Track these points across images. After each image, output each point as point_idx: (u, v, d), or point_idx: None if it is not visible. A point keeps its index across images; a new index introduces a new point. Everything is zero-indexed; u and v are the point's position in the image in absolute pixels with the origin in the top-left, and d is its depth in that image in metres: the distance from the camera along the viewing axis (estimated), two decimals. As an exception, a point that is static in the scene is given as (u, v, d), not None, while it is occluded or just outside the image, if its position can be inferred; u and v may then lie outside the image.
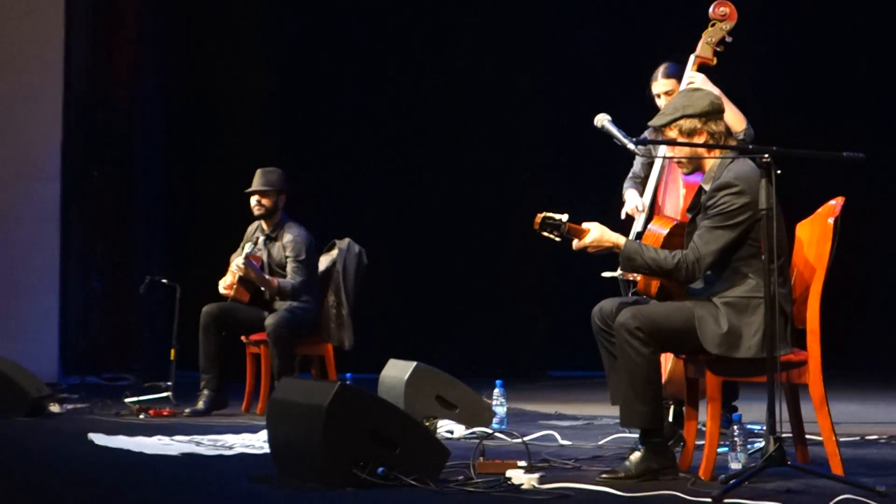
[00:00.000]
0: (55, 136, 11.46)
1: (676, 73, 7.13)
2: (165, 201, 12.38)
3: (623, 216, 7.16)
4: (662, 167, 6.98)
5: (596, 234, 5.57)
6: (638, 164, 7.33)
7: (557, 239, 5.65)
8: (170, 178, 12.41)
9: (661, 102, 7.14)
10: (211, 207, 11.64)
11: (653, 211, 6.95)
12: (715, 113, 5.55)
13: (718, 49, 6.98)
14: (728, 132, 5.63)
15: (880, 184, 11.58)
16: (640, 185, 7.24)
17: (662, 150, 6.48)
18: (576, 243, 5.60)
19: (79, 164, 11.76)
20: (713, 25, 6.99)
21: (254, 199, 8.64)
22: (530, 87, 12.87)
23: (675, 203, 6.72)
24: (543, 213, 5.61)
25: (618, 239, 5.55)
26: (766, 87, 12.15)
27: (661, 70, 7.19)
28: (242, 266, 8.42)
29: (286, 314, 8.41)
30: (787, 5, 12.98)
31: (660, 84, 7.16)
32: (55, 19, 11.42)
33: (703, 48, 6.98)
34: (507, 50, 12.77)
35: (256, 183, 8.64)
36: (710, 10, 7.01)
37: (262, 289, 8.53)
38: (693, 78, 6.89)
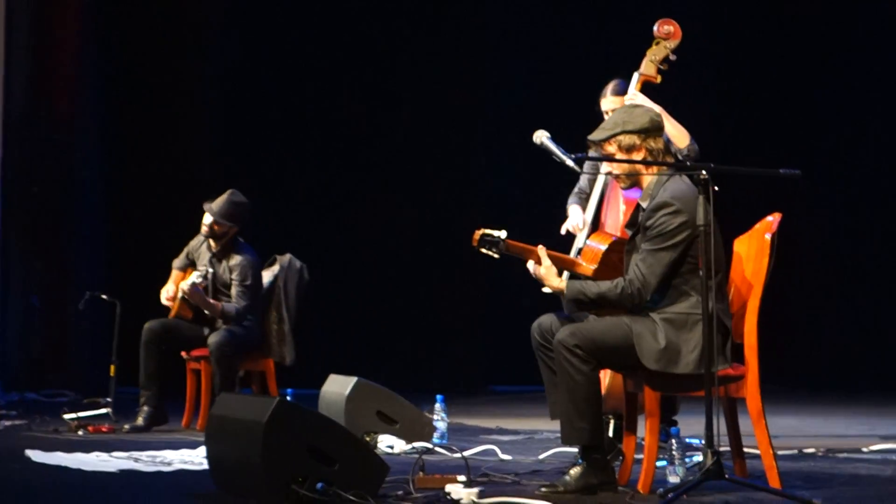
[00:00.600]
0: (-7, 151, 11.40)
1: (625, 91, 7.15)
2: (105, 217, 12.30)
3: (564, 232, 7.17)
4: (606, 183, 7.00)
5: (542, 272, 5.59)
6: (584, 179, 7.34)
7: (496, 256, 5.66)
8: (110, 194, 12.34)
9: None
10: (151, 224, 11.57)
11: (596, 226, 6.96)
12: (654, 130, 5.56)
13: (662, 67, 7.00)
14: (667, 149, 5.64)
15: (816, 200, 11.66)
16: (586, 201, 7.26)
17: (606, 166, 6.50)
18: (531, 266, 5.63)
19: (18, 179, 11.68)
20: (657, 44, 7.01)
21: (207, 218, 8.56)
22: (471, 104, 12.90)
23: (616, 219, 6.75)
24: (482, 230, 5.62)
25: (560, 284, 5.57)
26: (705, 104, 12.22)
27: (609, 87, 7.20)
28: (188, 291, 8.38)
29: (228, 333, 8.36)
30: (727, 26, 13.08)
31: (608, 101, 7.17)
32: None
33: (647, 66, 6.99)
34: (448, 65, 12.80)
35: (217, 209, 8.51)
36: (655, 28, 7.03)
37: (206, 312, 8.50)
38: (634, 96, 6.91)
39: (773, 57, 12.93)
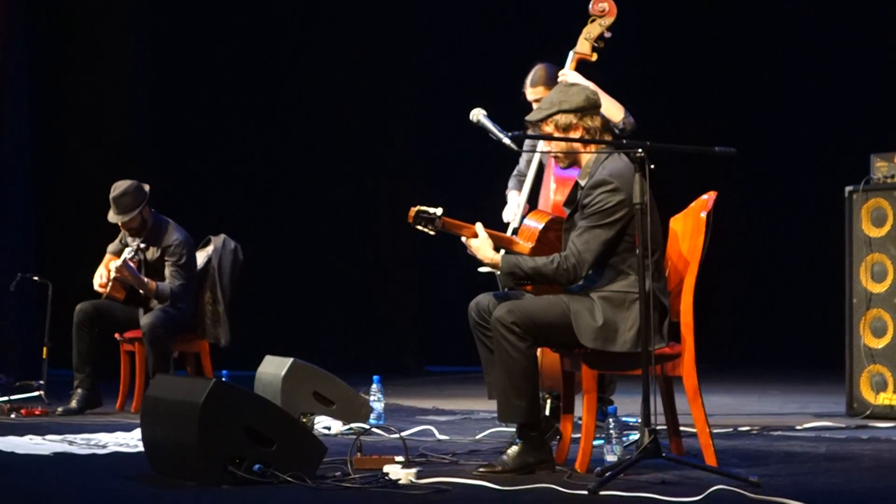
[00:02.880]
0: (-79, 134, 11.29)
1: (549, 76, 7.14)
2: (35, 199, 12.19)
3: (505, 219, 7.17)
4: (541, 164, 7.00)
5: (477, 243, 5.59)
6: (523, 161, 7.36)
7: (432, 233, 5.67)
8: (39, 176, 12.23)
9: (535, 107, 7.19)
10: (82, 205, 11.47)
11: (534, 206, 6.97)
12: (591, 108, 5.57)
13: (598, 45, 7.01)
14: (606, 128, 5.64)
15: (751, 178, 11.74)
16: (520, 184, 7.27)
17: (542, 146, 6.51)
18: (464, 240, 5.63)
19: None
20: (592, 21, 7.02)
21: (120, 223, 8.52)
22: (405, 82, 12.88)
23: (546, 197, 6.74)
24: (417, 207, 5.62)
25: (495, 257, 5.57)
26: (640, 82, 12.28)
27: (530, 76, 7.20)
28: (121, 268, 8.33)
29: (162, 314, 8.33)
30: (663, 5, 13.15)
31: (530, 91, 7.19)
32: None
33: (582, 44, 7.00)
34: (379, 41, 12.77)
35: (114, 214, 8.44)
36: (590, 6, 7.03)
37: (140, 291, 8.45)
38: (566, 74, 6.92)
39: (708, 34, 13.02)
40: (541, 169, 7.04)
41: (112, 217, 8.47)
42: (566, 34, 7.07)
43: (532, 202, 7.02)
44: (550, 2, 12.15)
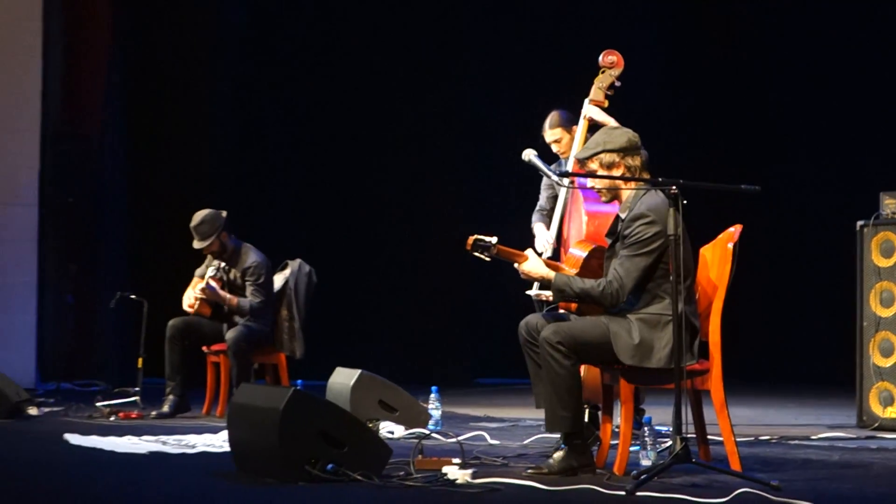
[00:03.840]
0: (34, 166, 11.40)
1: (563, 121, 7.18)
2: (132, 224, 12.30)
3: (538, 247, 7.19)
4: (566, 200, 7.00)
5: (531, 264, 5.63)
6: (543, 197, 7.39)
7: (487, 259, 5.70)
8: (136, 204, 12.33)
9: (555, 148, 7.22)
10: (172, 231, 11.50)
11: (559, 238, 6.99)
12: (632, 149, 5.60)
13: (609, 93, 7.03)
14: (645, 166, 5.66)
15: (773, 213, 11.70)
16: (546, 217, 7.30)
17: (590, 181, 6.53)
18: (516, 266, 5.66)
19: (54, 191, 11.69)
20: (603, 72, 7.04)
21: (203, 249, 8.59)
22: (464, 127, 12.94)
23: (579, 229, 6.73)
24: (475, 236, 5.65)
25: (548, 273, 5.60)
26: (671, 125, 12.26)
27: (547, 120, 7.24)
28: (204, 289, 8.42)
29: (244, 329, 8.39)
30: (686, 50, 13.13)
31: (547, 134, 7.23)
32: (34, 64, 11.39)
33: (596, 92, 7.03)
34: (443, 94, 12.85)
35: (199, 238, 8.53)
36: (600, 59, 7.06)
37: (225, 306, 8.52)
38: (588, 111, 6.94)
39: (732, 80, 13.01)
40: (565, 205, 7.06)
41: (196, 244, 8.56)
42: (581, 84, 7.09)
43: (557, 234, 7.05)
44: (566, 55, 12.14)
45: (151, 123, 12.38)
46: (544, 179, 7.34)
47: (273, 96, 12.72)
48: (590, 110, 6.97)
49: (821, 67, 12.52)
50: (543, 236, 7.16)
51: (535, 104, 11.41)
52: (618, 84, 7.01)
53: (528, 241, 7.15)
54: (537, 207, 7.40)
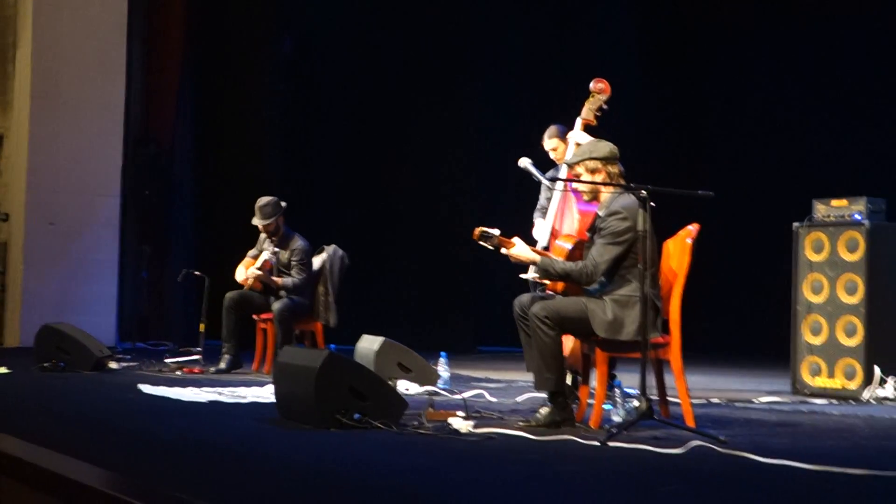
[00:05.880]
0: (116, 163, 11.43)
1: (560, 133, 7.17)
2: (198, 213, 12.34)
3: (535, 236, 7.19)
4: (558, 200, 6.99)
5: (519, 249, 5.63)
6: (543, 197, 7.37)
7: (491, 248, 5.70)
8: (201, 196, 12.38)
9: (552, 155, 7.21)
10: (231, 218, 11.59)
11: (551, 230, 6.98)
12: (612, 158, 5.59)
13: (598, 114, 6.99)
14: (621, 174, 5.66)
15: (724, 214, 11.69)
16: (544, 213, 7.28)
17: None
18: (504, 251, 5.66)
19: (133, 184, 11.73)
20: (593, 96, 6.99)
21: (260, 227, 8.61)
22: (471, 133, 12.99)
23: (571, 225, 6.72)
24: (481, 228, 5.65)
25: (534, 256, 5.60)
26: (640, 139, 12.26)
27: (547, 132, 7.24)
28: (259, 273, 8.44)
29: (288, 301, 8.41)
30: (655, 80, 13.14)
31: (547, 143, 7.23)
32: (119, 80, 11.43)
33: (587, 112, 6.97)
34: (455, 108, 12.88)
35: (257, 217, 8.56)
36: (591, 85, 7.02)
37: (271, 285, 8.54)
38: (578, 137, 6.90)
39: (690, 101, 13.04)
40: (557, 205, 7.05)
41: (255, 221, 8.56)
42: (575, 102, 7.07)
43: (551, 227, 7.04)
44: (563, 82, 12.15)
45: (215, 130, 12.43)
46: (543, 182, 7.32)
47: (314, 109, 12.76)
48: (578, 136, 6.91)
49: (765, 96, 12.53)
50: (541, 227, 7.14)
51: (531, 118, 11.52)
52: (605, 107, 6.97)
53: (525, 231, 7.15)
54: (538, 206, 7.38)
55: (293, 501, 3.47)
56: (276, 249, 8.60)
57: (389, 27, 12.91)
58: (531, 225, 7.29)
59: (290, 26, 12.79)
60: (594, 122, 6.95)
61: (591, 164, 5.59)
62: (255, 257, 8.70)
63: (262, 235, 8.75)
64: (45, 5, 11.14)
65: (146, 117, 12.06)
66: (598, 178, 5.57)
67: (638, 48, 13.46)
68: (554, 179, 6.58)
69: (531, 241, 6.85)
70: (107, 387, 7.14)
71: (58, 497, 3.66)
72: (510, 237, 5.73)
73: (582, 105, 6.95)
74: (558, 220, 6.86)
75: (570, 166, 5.70)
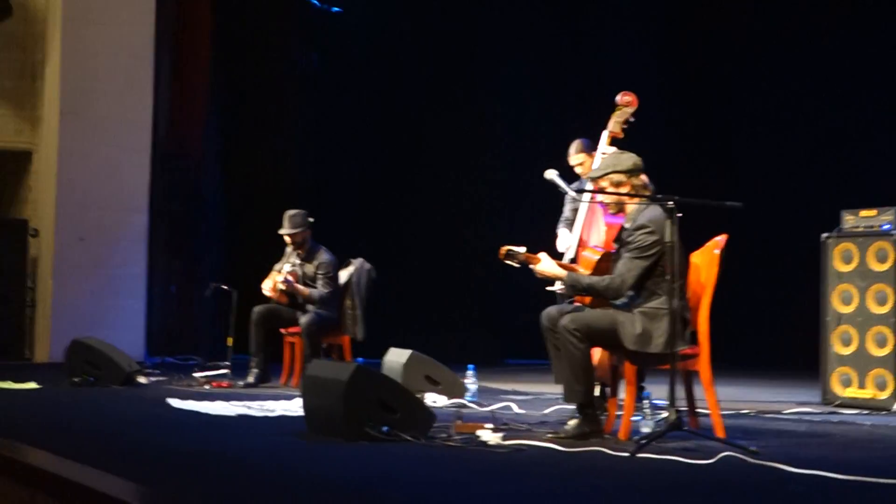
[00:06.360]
0: (144, 179, 11.48)
1: (585, 148, 7.15)
2: (226, 228, 12.39)
3: (559, 249, 7.18)
4: (586, 210, 6.98)
5: (545, 265, 5.63)
6: (568, 209, 7.36)
7: (517, 266, 5.70)
8: (228, 212, 12.43)
9: (578, 170, 7.20)
10: (259, 232, 11.62)
11: (579, 242, 6.97)
12: (636, 171, 5.59)
13: (625, 126, 6.97)
14: (646, 185, 5.65)
15: (753, 225, 11.63)
16: (569, 225, 7.27)
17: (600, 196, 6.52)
18: (531, 266, 5.66)
19: (161, 200, 11.77)
20: (620, 109, 6.95)
21: (287, 238, 8.64)
22: (496, 146, 13.01)
23: (599, 236, 6.71)
24: (508, 247, 5.65)
25: (560, 272, 5.61)
26: (667, 150, 12.23)
27: (572, 147, 7.22)
28: (284, 284, 8.47)
29: (315, 316, 8.42)
30: (681, 92, 13.12)
31: (572, 158, 7.21)
32: (146, 97, 11.48)
33: (614, 125, 6.93)
34: (480, 123, 12.93)
35: (286, 226, 8.60)
36: (618, 98, 6.98)
37: (299, 297, 8.55)
38: (606, 151, 6.87)
39: (718, 112, 13.04)
40: (584, 216, 7.04)
41: (283, 230, 8.58)
42: (599, 115, 7.05)
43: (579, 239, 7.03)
44: (589, 93, 12.14)
45: (242, 146, 12.49)
46: (569, 194, 7.30)
47: (340, 124, 12.82)
48: (606, 150, 6.89)
49: (793, 106, 12.50)
50: (566, 238, 7.13)
51: (556, 131, 11.52)
52: (632, 120, 6.95)
53: (550, 242, 7.14)
54: (562, 217, 7.36)
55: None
56: (300, 262, 8.63)
57: (413, 41, 12.95)
58: (555, 236, 7.29)
59: (316, 41, 12.85)
60: (621, 135, 6.92)
61: (616, 177, 5.58)
62: (281, 271, 8.73)
63: (289, 249, 8.77)
64: (73, 22, 11.22)
65: (174, 132, 12.12)
66: (623, 191, 5.56)
67: (663, 58, 13.43)
68: (581, 191, 6.57)
69: (556, 255, 6.85)
70: (136, 401, 7.16)
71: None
72: (535, 251, 5.73)
73: (608, 118, 6.94)
74: (586, 232, 6.86)
75: (594, 180, 5.69)
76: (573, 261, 6.63)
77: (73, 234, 11.12)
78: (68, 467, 4.16)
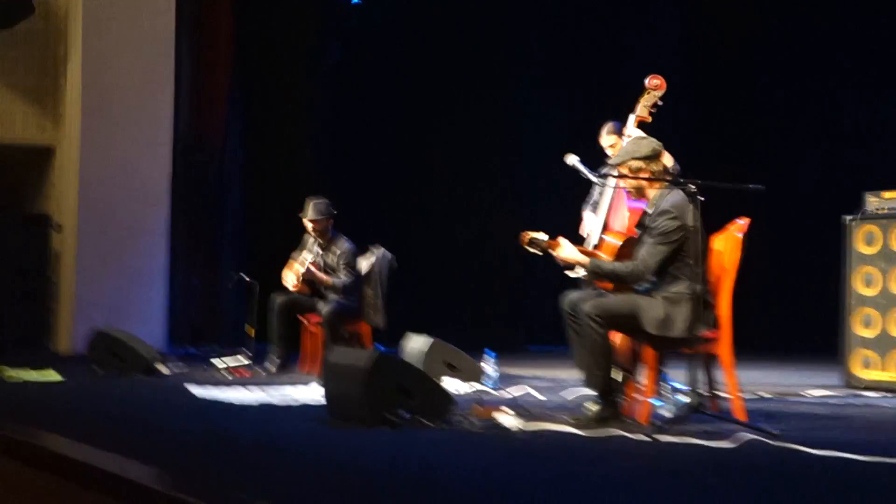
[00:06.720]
0: (166, 172, 11.49)
1: (617, 130, 7.10)
2: (247, 220, 12.40)
3: (584, 233, 7.15)
4: (612, 195, 6.95)
5: (567, 251, 5.61)
6: (596, 192, 7.32)
7: (540, 253, 5.68)
8: (250, 203, 12.44)
9: (610, 152, 7.15)
10: (278, 225, 11.62)
11: (605, 226, 6.94)
12: (654, 157, 5.55)
13: (652, 110, 6.92)
14: (666, 171, 5.61)
15: (776, 208, 11.58)
16: (595, 208, 7.24)
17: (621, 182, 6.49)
18: (552, 253, 5.64)
19: (183, 192, 11.78)
20: (648, 93, 6.89)
21: (309, 225, 8.64)
22: (518, 132, 12.99)
23: (622, 221, 6.68)
24: (530, 235, 5.63)
25: (582, 258, 5.59)
26: (689, 133, 12.17)
27: (605, 128, 7.17)
28: (308, 272, 8.48)
29: (336, 304, 8.43)
30: (703, 75, 13.06)
31: (605, 139, 7.15)
32: (167, 89, 11.49)
33: (641, 109, 6.88)
34: (504, 107, 12.92)
35: (310, 213, 8.61)
36: (646, 81, 6.93)
37: (321, 285, 8.56)
38: (631, 132, 6.85)
39: (741, 97, 12.97)
40: (610, 200, 7.01)
41: (307, 216, 8.58)
42: (629, 100, 7.00)
43: (604, 223, 6.99)
44: (619, 76, 12.08)
45: (264, 138, 12.49)
46: (592, 178, 7.26)
47: (361, 114, 12.80)
48: (633, 133, 6.85)
49: (816, 87, 12.43)
50: (591, 221, 7.10)
51: (578, 116, 11.49)
52: (660, 103, 6.89)
53: (573, 227, 7.11)
54: (590, 200, 7.31)
55: (346, 499, 3.47)
56: (321, 251, 8.64)
57: (434, 29, 12.92)
58: (579, 219, 7.25)
59: (337, 33, 12.84)
60: (649, 119, 6.86)
61: (635, 164, 5.55)
62: (299, 259, 8.73)
63: (307, 237, 8.78)
64: (95, 18, 11.24)
65: (195, 126, 12.13)
66: (643, 176, 5.53)
67: (684, 39, 13.34)
68: (602, 176, 6.54)
69: (577, 239, 6.82)
70: (158, 390, 7.17)
71: (116, 497, 3.69)
72: (556, 236, 5.71)
73: (635, 102, 6.90)
74: (611, 217, 6.84)
75: (615, 166, 5.67)
76: (596, 246, 6.61)
77: (95, 228, 11.15)
78: (89, 453, 4.18)
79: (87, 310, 10.90)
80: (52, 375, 7.91)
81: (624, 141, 6.87)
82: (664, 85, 6.88)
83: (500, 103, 12.91)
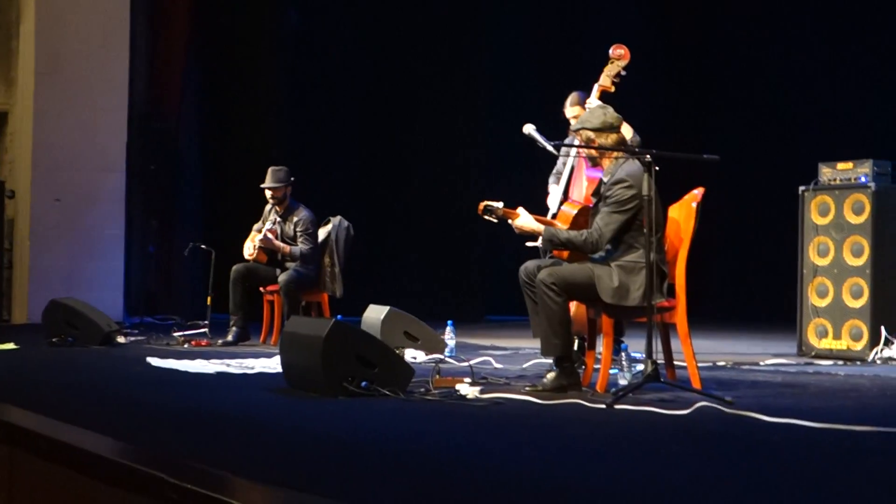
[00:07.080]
0: (121, 139, 11.41)
1: (581, 100, 7.10)
2: (204, 187, 12.34)
3: (549, 204, 7.17)
4: (572, 165, 6.98)
5: (523, 220, 5.62)
6: (560, 162, 7.34)
7: (495, 221, 5.69)
8: (206, 170, 12.39)
9: (573, 122, 7.14)
10: (237, 192, 11.60)
11: (566, 196, 6.97)
12: (606, 128, 5.55)
13: (616, 80, 6.93)
14: (618, 142, 5.62)
15: (730, 178, 11.67)
16: (559, 179, 7.26)
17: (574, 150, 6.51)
18: (509, 222, 5.66)
19: (139, 160, 11.72)
20: (612, 63, 6.92)
21: (268, 193, 8.61)
22: (477, 109, 12.95)
23: (580, 191, 6.73)
24: (485, 202, 5.64)
25: (538, 226, 5.60)
26: (648, 105, 12.22)
27: (568, 99, 7.16)
28: (265, 239, 8.45)
29: (294, 273, 8.41)
30: (663, 48, 13.10)
31: (568, 110, 7.15)
32: (122, 54, 11.38)
33: (604, 79, 6.90)
34: (464, 78, 12.89)
35: (269, 180, 8.58)
36: (610, 51, 6.95)
37: (279, 254, 8.54)
38: (593, 102, 6.86)
39: (696, 70, 12.99)
40: (571, 169, 7.03)
41: (265, 184, 8.55)
42: (593, 69, 7.02)
43: (564, 192, 7.02)
44: (581, 48, 12.11)
45: (221, 104, 12.43)
46: (548, 148, 7.28)
47: (320, 82, 12.76)
48: (595, 103, 6.86)
49: (770, 59, 12.50)
50: (556, 194, 7.12)
51: (540, 87, 11.52)
52: (623, 73, 6.90)
53: (538, 198, 7.12)
54: (554, 171, 7.32)
55: (303, 468, 3.48)
56: (279, 219, 8.61)
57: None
58: (545, 192, 7.27)
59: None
60: (612, 89, 6.87)
61: (585, 134, 5.58)
62: (261, 230, 8.70)
63: (268, 207, 8.75)
64: (47, -19, 11.11)
65: (151, 93, 12.04)
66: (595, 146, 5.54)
67: (643, 13, 13.39)
68: (556, 145, 6.56)
69: (544, 210, 6.84)
70: (115, 360, 7.15)
71: (72, 467, 3.68)
72: (517, 207, 5.72)
73: (599, 72, 6.89)
74: (572, 186, 6.86)
75: (573, 134, 5.69)
76: (554, 215, 6.62)
77: (49, 196, 11.06)
78: (49, 425, 4.16)
79: (42, 278, 10.82)
80: (6, 345, 7.84)
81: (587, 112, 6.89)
82: (628, 55, 6.89)
83: (465, 72, 12.90)
